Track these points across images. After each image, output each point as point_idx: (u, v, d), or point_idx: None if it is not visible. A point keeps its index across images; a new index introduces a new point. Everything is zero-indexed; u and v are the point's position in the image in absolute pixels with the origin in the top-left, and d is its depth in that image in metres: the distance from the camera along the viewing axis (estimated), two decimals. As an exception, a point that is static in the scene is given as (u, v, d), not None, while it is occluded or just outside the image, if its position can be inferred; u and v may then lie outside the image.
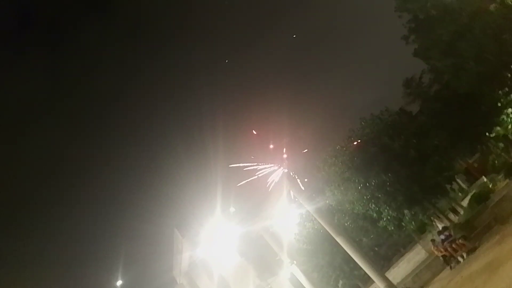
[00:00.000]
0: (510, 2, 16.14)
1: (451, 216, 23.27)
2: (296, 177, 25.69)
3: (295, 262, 25.93)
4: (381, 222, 20.28)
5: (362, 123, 21.58)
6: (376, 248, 25.58)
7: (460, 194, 27.50)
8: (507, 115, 22.90)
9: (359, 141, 21.00)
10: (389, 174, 18.73)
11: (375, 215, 20.04)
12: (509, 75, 19.20)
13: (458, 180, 27.37)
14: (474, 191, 24.13)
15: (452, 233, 17.10)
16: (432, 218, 22.05)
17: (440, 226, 20.14)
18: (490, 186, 23.23)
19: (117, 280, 35.40)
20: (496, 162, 24.43)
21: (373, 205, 19.53)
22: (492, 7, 17.28)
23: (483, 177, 26.17)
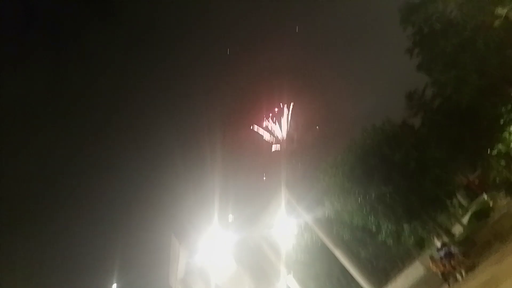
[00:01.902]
0: (513, 18, 16.15)
1: (450, 232, 22.99)
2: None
3: (292, 272, 25.64)
4: (380, 235, 20.05)
5: (364, 133, 21.47)
6: (374, 262, 25.22)
7: (460, 210, 27.21)
8: (510, 132, 22.78)
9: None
10: (389, 186, 18.57)
11: (374, 228, 19.82)
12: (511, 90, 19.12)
13: (458, 196, 27.09)
14: (474, 208, 23.85)
15: (451, 249, 16.87)
16: (431, 233, 21.79)
17: (439, 242, 19.88)
18: (491, 203, 22.97)
19: (112, 285, 35.16)
20: (497, 179, 24.17)
21: (372, 218, 19.33)
22: (496, 22, 17.26)
23: (484, 194, 25.91)
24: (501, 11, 16.38)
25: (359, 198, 19.27)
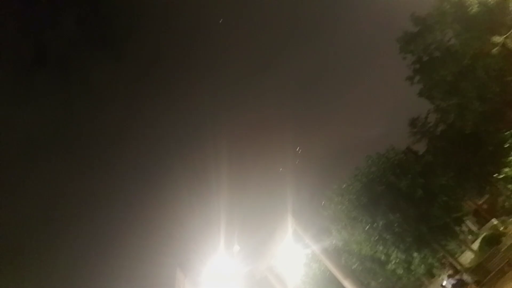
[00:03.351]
0: (510, 46, 16.50)
1: (461, 259, 22.52)
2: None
3: (300, 305, 24.94)
4: (389, 265, 19.65)
5: (368, 161, 21.47)
6: (385, 293, 24.56)
7: (470, 236, 26.73)
8: (516, 156, 22.73)
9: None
10: (397, 214, 18.38)
11: (383, 257, 19.46)
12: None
13: (468, 222, 26.71)
14: (484, 234, 23.45)
15: (463, 277, 16.47)
16: (442, 261, 21.34)
17: (450, 270, 19.42)
18: (501, 228, 22.61)
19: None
20: (506, 204, 23.93)
21: (381, 247, 19.02)
22: (494, 50, 17.63)
23: (493, 219, 25.55)
24: (498, 39, 16.78)
25: (367, 227, 19.04)
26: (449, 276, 16.99)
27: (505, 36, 16.57)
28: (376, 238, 18.80)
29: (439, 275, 20.75)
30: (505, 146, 20.98)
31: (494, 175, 22.24)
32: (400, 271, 19.81)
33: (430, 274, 22.66)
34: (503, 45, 16.92)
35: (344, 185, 21.32)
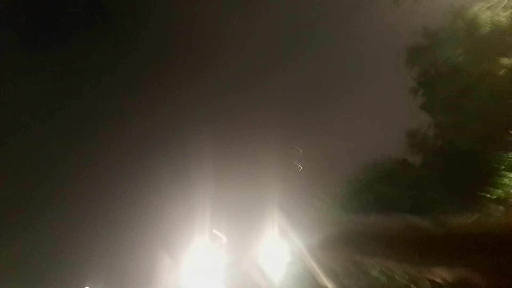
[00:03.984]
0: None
1: (447, 274, 22.72)
2: None
3: (280, 302, 25.19)
4: (374, 272, 19.85)
5: (365, 168, 21.66)
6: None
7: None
8: (510, 178, 22.90)
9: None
10: (385, 223, 18.54)
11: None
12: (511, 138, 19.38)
13: (455, 238, 26.89)
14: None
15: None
16: (426, 276, 21.54)
17: (434, 283, 19.62)
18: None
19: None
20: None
21: (366, 253, 19.19)
22: (501, 71, 17.71)
23: (481, 238, 25.72)
24: (507, 61, 16.85)
25: (355, 232, 19.21)
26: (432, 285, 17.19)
27: (512, 59, 16.63)
28: (362, 244, 18.97)
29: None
30: (500, 167, 21.19)
31: (487, 196, 22.46)
32: (383, 280, 20.00)
33: (415, 285, 22.85)
34: (510, 67, 16.99)
35: (338, 189, 21.53)
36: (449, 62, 20.43)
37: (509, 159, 21.23)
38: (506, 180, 22.88)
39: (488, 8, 17.48)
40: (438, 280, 20.43)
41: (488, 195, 22.43)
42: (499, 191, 22.93)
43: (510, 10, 17.14)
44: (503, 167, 22.16)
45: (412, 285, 22.79)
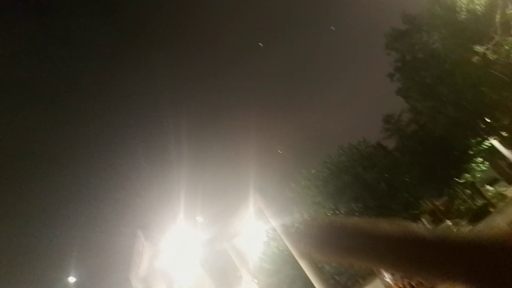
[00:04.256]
0: (490, 57, 16.98)
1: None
2: None
3: (256, 280, 25.65)
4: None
5: (340, 150, 21.98)
6: (337, 277, 25.60)
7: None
8: (477, 163, 23.86)
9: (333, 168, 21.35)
10: (359, 204, 19.04)
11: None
12: (482, 125, 20.06)
13: (423, 220, 27.98)
14: (437, 234, 24.65)
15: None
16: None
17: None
18: (455, 230, 23.85)
19: (69, 276, 34.12)
20: (462, 207, 25.19)
21: (339, 233, 19.73)
22: (475, 59, 18.13)
23: (447, 220, 26.87)
24: (480, 49, 17.23)
25: (329, 213, 19.64)
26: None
27: (486, 47, 17.01)
28: (336, 224, 19.47)
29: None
30: (470, 153, 21.92)
31: (455, 179, 23.31)
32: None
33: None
34: (484, 55, 17.39)
35: (313, 171, 21.81)
36: (425, 48, 20.73)
37: (478, 145, 22.03)
38: (473, 165, 23.83)
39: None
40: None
41: (456, 179, 23.28)
42: (467, 175, 23.86)
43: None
44: (472, 153, 23.00)
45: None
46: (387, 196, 19.42)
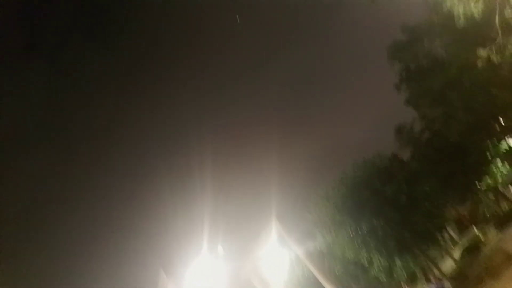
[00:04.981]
0: (495, 60, 16.86)
1: (442, 266, 22.90)
2: None
3: (282, 308, 24.96)
4: (372, 269, 19.88)
5: (355, 166, 21.72)
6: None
7: (451, 243, 27.24)
8: (497, 166, 23.31)
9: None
10: (380, 219, 18.63)
11: (366, 262, 19.68)
12: (497, 126, 19.73)
13: (449, 229, 27.22)
14: (465, 243, 23.91)
15: (443, 284, 16.78)
16: (423, 267, 21.70)
17: (431, 277, 19.78)
18: (481, 237, 23.11)
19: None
20: (487, 212, 24.50)
21: (364, 252, 19.23)
22: (479, 62, 18.02)
23: (473, 227, 26.09)
24: (483, 52, 17.14)
25: (351, 231, 19.25)
26: (429, 281, 17.32)
27: (488, 49, 16.93)
28: (360, 242, 19.01)
29: (421, 281, 21.06)
30: (488, 155, 21.45)
31: (476, 184, 22.74)
32: (382, 277, 20.04)
33: (411, 280, 22.98)
34: (488, 58, 17.27)
35: (330, 189, 21.52)
36: (429, 56, 20.73)
37: (496, 147, 21.60)
38: (493, 168, 23.28)
39: (460, 1, 17.77)
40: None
41: (478, 184, 22.69)
42: (488, 179, 23.27)
43: (481, 1, 17.45)
44: (490, 156, 22.50)
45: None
46: (408, 208, 18.99)
